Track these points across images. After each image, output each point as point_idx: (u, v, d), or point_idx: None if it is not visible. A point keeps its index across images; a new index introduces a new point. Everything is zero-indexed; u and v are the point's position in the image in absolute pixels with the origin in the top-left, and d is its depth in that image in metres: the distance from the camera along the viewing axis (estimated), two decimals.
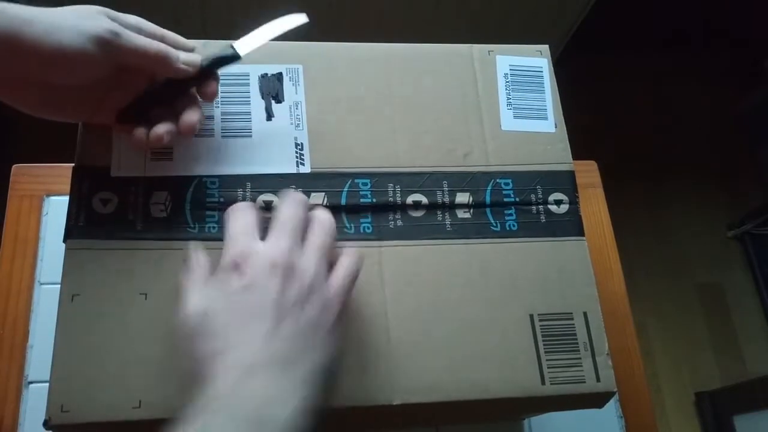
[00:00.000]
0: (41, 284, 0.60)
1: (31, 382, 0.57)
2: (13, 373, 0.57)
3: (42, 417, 0.38)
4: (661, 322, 1.62)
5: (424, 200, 0.46)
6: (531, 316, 0.44)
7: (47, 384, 0.39)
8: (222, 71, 0.44)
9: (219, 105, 0.46)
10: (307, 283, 0.37)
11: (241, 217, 0.39)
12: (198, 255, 0.39)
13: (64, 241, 0.42)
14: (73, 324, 0.40)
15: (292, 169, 0.45)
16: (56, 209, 0.63)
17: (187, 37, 0.48)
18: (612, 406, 0.63)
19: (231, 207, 0.40)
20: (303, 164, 0.45)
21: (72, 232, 0.42)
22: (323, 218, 0.40)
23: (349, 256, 0.40)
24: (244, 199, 0.44)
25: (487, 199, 0.47)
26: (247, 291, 0.36)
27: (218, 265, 0.38)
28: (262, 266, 0.36)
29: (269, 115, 0.47)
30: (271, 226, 0.39)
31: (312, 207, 0.41)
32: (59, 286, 0.41)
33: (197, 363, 0.35)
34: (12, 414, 0.56)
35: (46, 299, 0.60)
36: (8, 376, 0.57)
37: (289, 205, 0.40)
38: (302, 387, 0.34)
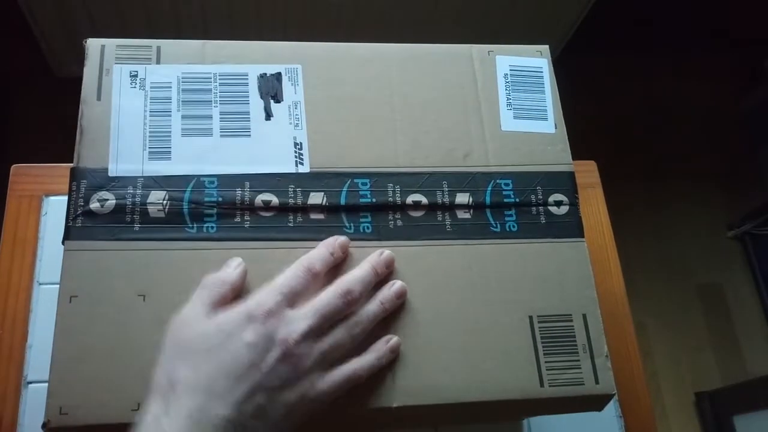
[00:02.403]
0: (40, 284, 0.60)
1: (30, 382, 0.57)
2: (12, 373, 0.57)
3: (41, 417, 0.38)
4: (661, 322, 1.62)
5: (424, 200, 0.46)
6: (530, 318, 0.44)
7: (46, 384, 0.39)
8: (220, 71, 0.45)
9: (218, 104, 0.46)
10: (299, 374, 0.37)
11: (292, 277, 0.39)
12: (232, 273, 0.40)
13: (63, 242, 0.42)
14: (71, 325, 0.40)
15: (291, 169, 0.45)
16: (55, 209, 0.63)
17: (188, 37, 0.48)
18: (611, 407, 0.63)
19: (303, 260, 0.40)
20: (302, 164, 0.45)
21: (70, 233, 0.42)
22: (363, 321, 0.41)
23: (356, 369, 0.40)
24: (242, 199, 0.44)
25: (487, 200, 0.46)
26: (247, 348, 0.36)
27: (240, 298, 0.38)
28: (270, 338, 0.37)
29: (268, 115, 0.46)
30: (312, 296, 0.39)
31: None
32: (58, 286, 0.41)
33: (162, 374, 0.36)
34: (11, 414, 0.56)
35: (45, 299, 0.59)
36: (7, 376, 0.57)
37: (345, 285, 0.40)
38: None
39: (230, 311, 0.38)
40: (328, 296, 0.39)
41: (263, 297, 0.38)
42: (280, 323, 0.37)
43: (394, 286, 0.42)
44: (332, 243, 0.42)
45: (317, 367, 0.38)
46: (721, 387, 1.53)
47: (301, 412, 0.38)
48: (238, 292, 0.40)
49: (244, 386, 0.36)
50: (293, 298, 0.39)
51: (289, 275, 0.39)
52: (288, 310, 0.38)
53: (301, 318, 0.38)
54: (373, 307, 0.41)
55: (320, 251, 0.41)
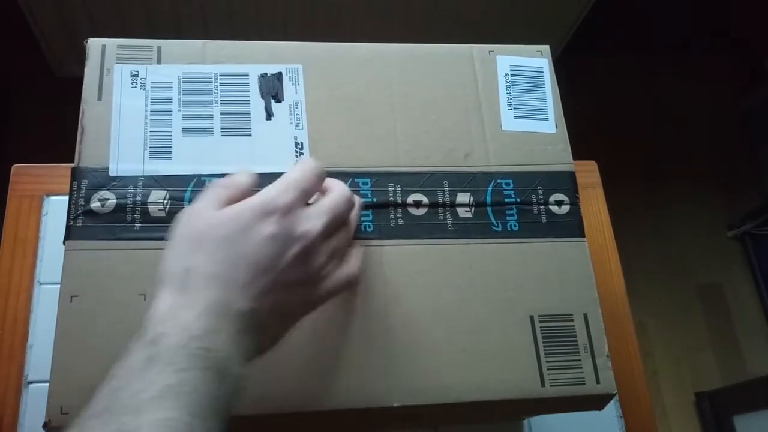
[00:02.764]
0: (41, 284, 0.60)
1: (31, 382, 0.57)
2: (12, 373, 0.57)
3: (42, 417, 0.38)
4: (661, 322, 1.62)
5: (425, 200, 0.46)
6: (531, 317, 0.44)
7: (47, 384, 0.39)
8: (221, 71, 0.44)
9: (218, 104, 0.46)
10: (310, 272, 0.37)
11: (304, 176, 0.38)
12: (243, 178, 0.39)
13: (64, 242, 0.42)
14: (72, 325, 0.40)
15: None
16: (56, 209, 0.63)
17: (188, 37, 0.48)
18: (612, 407, 0.63)
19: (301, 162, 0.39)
20: None
21: (71, 233, 0.42)
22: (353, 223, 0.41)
23: (356, 258, 0.40)
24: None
25: (488, 200, 0.46)
26: (268, 241, 0.35)
27: (251, 195, 0.37)
28: (291, 229, 0.36)
29: (269, 115, 0.46)
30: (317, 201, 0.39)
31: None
32: (59, 286, 0.41)
33: (176, 263, 0.35)
34: (12, 414, 0.56)
35: (46, 299, 0.59)
36: (8, 376, 0.57)
37: (348, 195, 0.40)
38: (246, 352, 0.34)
39: (244, 204, 0.37)
40: (336, 198, 0.39)
41: (277, 192, 0.37)
42: (299, 219, 0.36)
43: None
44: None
45: (325, 267, 0.38)
46: (721, 387, 1.53)
47: (299, 313, 0.38)
48: (247, 196, 0.38)
49: (265, 279, 0.35)
50: (305, 196, 0.38)
51: (299, 175, 0.38)
52: (303, 206, 0.37)
53: (316, 216, 0.37)
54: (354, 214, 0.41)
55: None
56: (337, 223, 0.39)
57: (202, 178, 0.44)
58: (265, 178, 0.44)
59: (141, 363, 0.31)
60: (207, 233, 0.36)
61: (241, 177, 0.39)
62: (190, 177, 0.44)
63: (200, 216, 0.37)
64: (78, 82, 0.45)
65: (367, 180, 0.46)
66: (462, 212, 0.46)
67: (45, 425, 0.38)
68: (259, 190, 0.37)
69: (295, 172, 0.38)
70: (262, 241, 0.35)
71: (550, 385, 0.43)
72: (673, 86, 1.87)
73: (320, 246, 0.37)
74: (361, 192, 0.45)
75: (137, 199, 0.43)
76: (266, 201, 0.36)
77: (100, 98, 0.45)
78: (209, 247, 0.35)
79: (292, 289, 0.36)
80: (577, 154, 0.50)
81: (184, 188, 0.44)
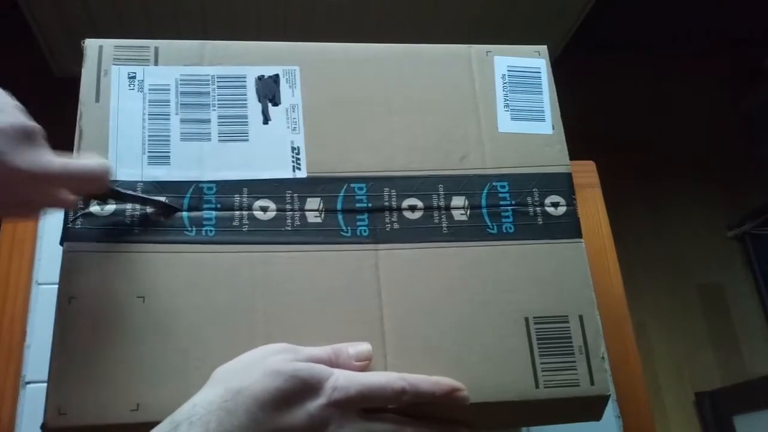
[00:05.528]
0: (39, 284, 0.60)
1: (29, 383, 0.57)
2: (10, 374, 0.57)
3: (39, 417, 0.38)
4: (661, 322, 1.62)
5: (420, 204, 0.46)
6: (526, 319, 0.44)
7: (45, 384, 0.39)
8: (218, 73, 0.44)
9: (216, 108, 0.46)
10: None
11: (382, 383, 0.39)
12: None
13: (61, 243, 0.42)
14: (70, 327, 0.40)
15: (288, 174, 0.45)
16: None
17: (187, 38, 0.48)
18: (610, 407, 0.63)
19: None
20: (299, 168, 0.45)
21: (69, 234, 0.42)
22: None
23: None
24: (240, 205, 0.44)
25: (483, 203, 0.46)
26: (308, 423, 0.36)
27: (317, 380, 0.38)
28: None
29: (266, 119, 0.46)
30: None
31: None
32: (57, 286, 0.41)
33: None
34: (9, 414, 0.56)
35: (44, 299, 0.60)
36: (5, 377, 0.57)
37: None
38: None
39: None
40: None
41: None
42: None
43: None
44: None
45: None
46: (721, 387, 1.53)
47: None
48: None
49: None
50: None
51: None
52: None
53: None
54: None
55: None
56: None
57: (200, 185, 0.44)
58: (262, 184, 0.44)
59: None
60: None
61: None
62: (189, 183, 0.44)
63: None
64: (77, 82, 0.45)
65: (363, 185, 0.46)
66: (457, 215, 0.46)
67: (43, 426, 0.38)
68: None
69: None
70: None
71: (545, 387, 0.43)
72: (673, 86, 1.87)
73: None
74: (356, 197, 0.45)
75: (136, 203, 0.43)
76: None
77: (97, 100, 0.45)
78: None
79: None
80: (577, 154, 0.50)
81: (183, 195, 0.44)
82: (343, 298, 0.43)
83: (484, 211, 0.46)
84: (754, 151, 1.81)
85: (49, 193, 0.39)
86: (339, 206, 0.45)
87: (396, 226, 0.45)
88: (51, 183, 0.38)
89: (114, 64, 0.46)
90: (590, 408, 0.45)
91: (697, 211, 1.76)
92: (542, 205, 0.47)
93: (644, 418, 0.64)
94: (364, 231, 0.45)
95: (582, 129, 0.76)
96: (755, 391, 1.39)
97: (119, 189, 0.42)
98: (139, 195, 0.43)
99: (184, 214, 0.43)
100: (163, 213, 0.43)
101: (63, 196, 0.39)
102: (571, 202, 0.48)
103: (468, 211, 0.46)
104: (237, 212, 0.44)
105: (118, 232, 0.42)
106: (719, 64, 1.89)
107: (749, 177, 1.80)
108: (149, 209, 0.43)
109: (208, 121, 0.46)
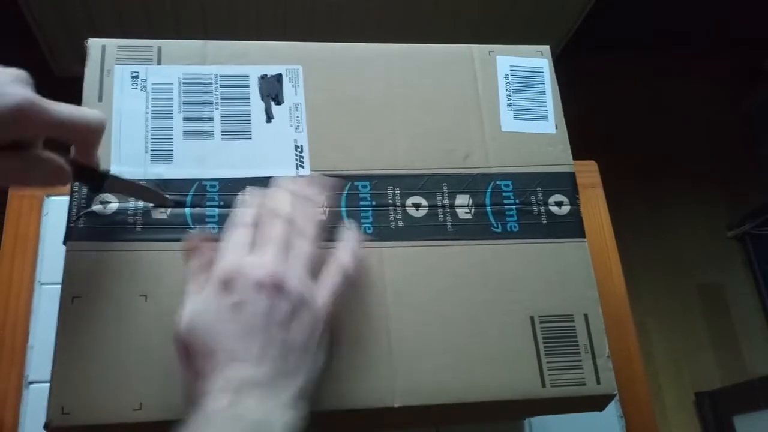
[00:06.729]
0: (41, 284, 0.60)
1: (32, 383, 0.57)
2: (13, 374, 0.57)
3: (42, 417, 0.38)
4: (661, 322, 1.62)
5: (424, 203, 0.46)
6: (532, 318, 0.44)
7: (48, 384, 0.39)
8: (221, 72, 0.44)
9: (219, 107, 0.46)
10: (294, 300, 0.36)
11: (236, 233, 0.39)
12: (196, 255, 0.39)
13: (64, 243, 0.42)
14: (73, 326, 0.40)
15: (291, 172, 0.45)
16: (56, 210, 0.63)
17: (188, 37, 0.48)
18: (612, 407, 0.63)
19: (231, 220, 0.40)
20: (302, 167, 0.45)
21: (72, 233, 0.42)
22: (308, 227, 0.40)
23: (337, 264, 0.40)
24: (244, 202, 0.44)
25: (487, 201, 0.46)
26: (235, 310, 0.35)
27: (210, 276, 0.37)
28: (249, 286, 0.36)
29: (269, 117, 0.46)
30: (258, 238, 0.38)
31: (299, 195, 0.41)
32: (59, 286, 0.41)
33: (191, 365, 0.35)
34: (12, 414, 0.56)
35: (47, 299, 0.59)
36: (8, 377, 0.57)
37: (275, 212, 0.39)
38: (293, 403, 0.35)
39: (210, 289, 0.37)
40: (276, 221, 0.39)
41: (222, 266, 0.37)
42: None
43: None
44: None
45: (304, 292, 0.37)
46: (721, 387, 1.53)
47: (313, 343, 0.37)
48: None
49: (257, 342, 0.35)
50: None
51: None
52: (248, 259, 0.38)
53: (264, 254, 0.38)
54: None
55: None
56: (282, 244, 0.38)
57: (203, 183, 0.44)
58: (265, 183, 0.44)
59: None
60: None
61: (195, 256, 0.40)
62: (192, 182, 0.44)
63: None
64: (78, 82, 0.45)
65: (367, 183, 0.46)
66: (462, 213, 0.46)
67: (46, 425, 0.38)
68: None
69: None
70: (229, 312, 0.36)
71: (551, 386, 0.43)
72: (673, 86, 1.87)
73: (284, 274, 0.37)
74: (360, 195, 0.45)
75: (139, 202, 0.43)
76: (210, 282, 0.37)
77: (100, 99, 0.45)
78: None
79: (287, 328, 0.36)
80: (577, 154, 0.50)
81: (186, 193, 0.44)
82: (347, 296, 0.43)
83: (489, 209, 0.46)
84: (754, 151, 1.82)
85: (39, 133, 0.37)
86: (343, 205, 0.45)
87: (400, 223, 0.45)
88: (40, 115, 0.36)
89: (117, 64, 0.46)
90: (595, 405, 0.45)
91: (697, 211, 1.76)
92: (546, 204, 0.47)
93: (646, 419, 0.64)
94: (368, 228, 0.45)
95: (582, 129, 0.76)
96: (755, 391, 1.39)
97: (113, 174, 0.42)
98: (130, 180, 0.42)
99: (187, 210, 0.43)
100: (157, 202, 0.43)
101: (54, 135, 0.37)
102: (574, 202, 0.48)
103: (473, 209, 0.46)
104: (240, 209, 0.44)
105: (120, 230, 0.42)
106: (719, 64, 1.89)
107: (749, 177, 1.80)
108: (151, 206, 0.43)
109: (211, 119, 0.46)
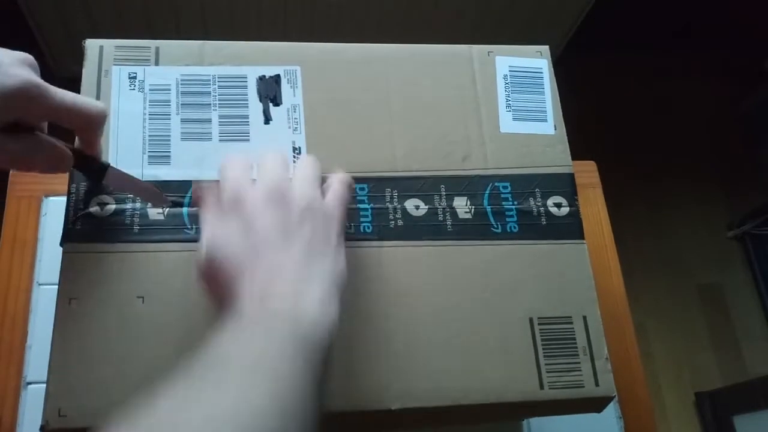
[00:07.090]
0: (40, 285, 0.60)
1: (30, 383, 0.57)
2: (11, 374, 0.57)
3: (40, 418, 0.38)
4: (661, 322, 1.62)
5: (422, 205, 0.46)
6: (530, 319, 0.44)
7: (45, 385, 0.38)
8: (219, 73, 0.44)
9: (217, 108, 0.46)
10: (303, 205, 0.38)
11: (235, 165, 0.40)
12: (211, 186, 0.40)
13: (62, 244, 0.41)
14: (70, 327, 0.40)
15: (289, 174, 0.45)
16: (55, 210, 0.63)
17: (187, 38, 0.48)
18: (611, 408, 0.63)
19: (226, 157, 0.41)
20: None
21: (69, 235, 0.42)
22: (305, 157, 0.42)
23: (335, 178, 0.42)
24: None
25: (486, 203, 0.46)
26: (250, 226, 0.37)
27: (220, 205, 0.39)
28: (258, 202, 0.37)
29: (267, 119, 0.46)
30: (258, 174, 0.40)
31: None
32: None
33: (220, 288, 0.36)
34: (11, 415, 0.56)
35: (45, 300, 0.59)
36: (7, 377, 0.57)
37: (271, 157, 0.41)
38: (325, 301, 0.36)
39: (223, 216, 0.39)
40: (270, 160, 0.41)
41: (229, 192, 0.39)
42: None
43: None
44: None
45: (312, 198, 0.39)
46: (721, 387, 1.53)
47: (332, 240, 0.39)
48: None
49: (277, 248, 0.37)
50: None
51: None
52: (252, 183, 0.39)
53: (266, 176, 0.39)
54: None
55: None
56: (285, 168, 0.40)
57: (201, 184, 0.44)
58: None
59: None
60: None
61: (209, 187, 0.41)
62: (190, 183, 0.44)
63: None
64: (77, 82, 0.45)
65: (364, 186, 0.46)
66: (461, 213, 0.46)
67: (42, 427, 0.38)
68: None
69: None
70: (244, 229, 0.37)
71: (549, 388, 0.42)
72: (673, 86, 1.87)
73: (289, 188, 0.38)
74: (357, 198, 0.45)
75: (136, 204, 0.43)
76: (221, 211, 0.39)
77: (98, 100, 0.45)
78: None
79: (302, 227, 0.37)
80: (576, 154, 0.50)
81: (183, 194, 0.44)
82: (346, 296, 0.42)
83: (488, 208, 0.46)
84: (754, 151, 1.82)
85: (41, 116, 0.38)
86: None
87: (400, 223, 0.45)
88: (42, 98, 0.36)
89: (115, 65, 0.46)
90: (593, 407, 0.45)
91: (697, 211, 1.76)
92: (545, 205, 0.47)
93: (646, 419, 0.64)
94: (368, 227, 0.45)
95: (582, 129, 0.76)
96: (755, 391, 1.39)
97: (113, 167, 0.42)
98: (131, 175, 0.43)
99: (185, 210, 0.43)
100: (155, 200, 0.43)
101: (55, 119, 0.38)
102: (573, 203, 0.47)
103: (472, 209, 0.46)
104: None
105: (118, 232, 0.42)
106: (719, 65, 1.89)
107: (749, 177, 1.80)
108: (149, 206, 0.43)
109: (209, 120, 0.46)
